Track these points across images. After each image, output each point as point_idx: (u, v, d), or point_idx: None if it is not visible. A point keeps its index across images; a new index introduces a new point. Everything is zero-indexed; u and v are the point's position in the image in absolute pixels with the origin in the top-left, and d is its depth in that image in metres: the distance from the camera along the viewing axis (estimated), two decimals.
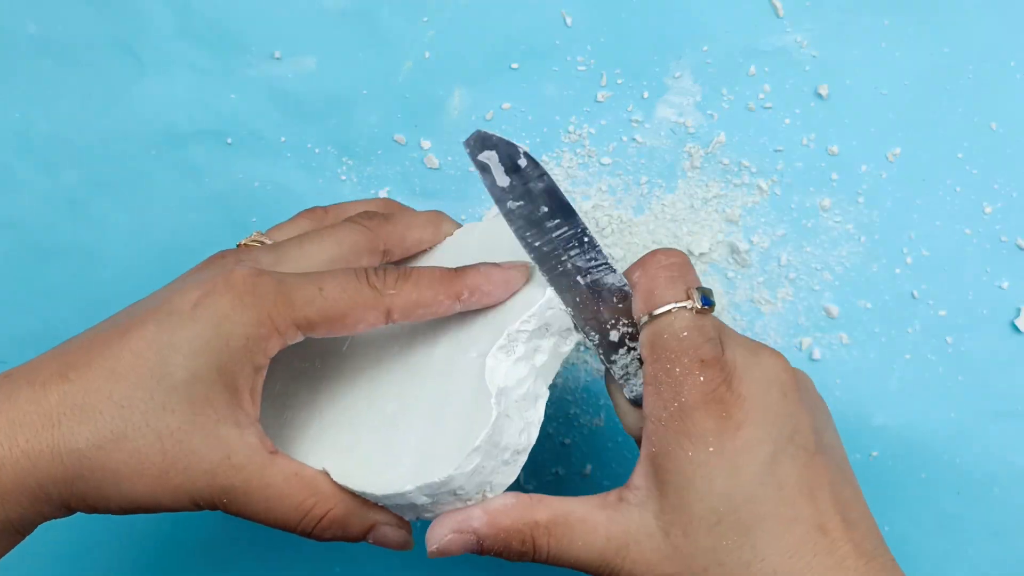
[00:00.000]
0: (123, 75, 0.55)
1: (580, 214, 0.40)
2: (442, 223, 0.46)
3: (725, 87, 0.52)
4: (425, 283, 0.40)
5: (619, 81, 0.53)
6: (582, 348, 0.53)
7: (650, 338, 0.39)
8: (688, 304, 0.39)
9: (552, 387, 0.53)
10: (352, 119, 0.54)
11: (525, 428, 0.40)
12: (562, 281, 0.40)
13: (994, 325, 0.51)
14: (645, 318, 0.39)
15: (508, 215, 0.40)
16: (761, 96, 0.52)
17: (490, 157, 0.39)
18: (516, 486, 0.41)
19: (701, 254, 0.52)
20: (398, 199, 0.54)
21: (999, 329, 0.51)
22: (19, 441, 0.36)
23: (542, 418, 0.41)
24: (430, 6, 0.54)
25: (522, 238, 0.40)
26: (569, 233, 0.40)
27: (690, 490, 0.38)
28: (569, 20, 0.53)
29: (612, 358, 0.41)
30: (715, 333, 0.39)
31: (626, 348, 0.41)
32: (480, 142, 0.39)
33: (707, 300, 0.39)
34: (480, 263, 0.41)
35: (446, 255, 0.45)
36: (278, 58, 0.54)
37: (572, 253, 0.40)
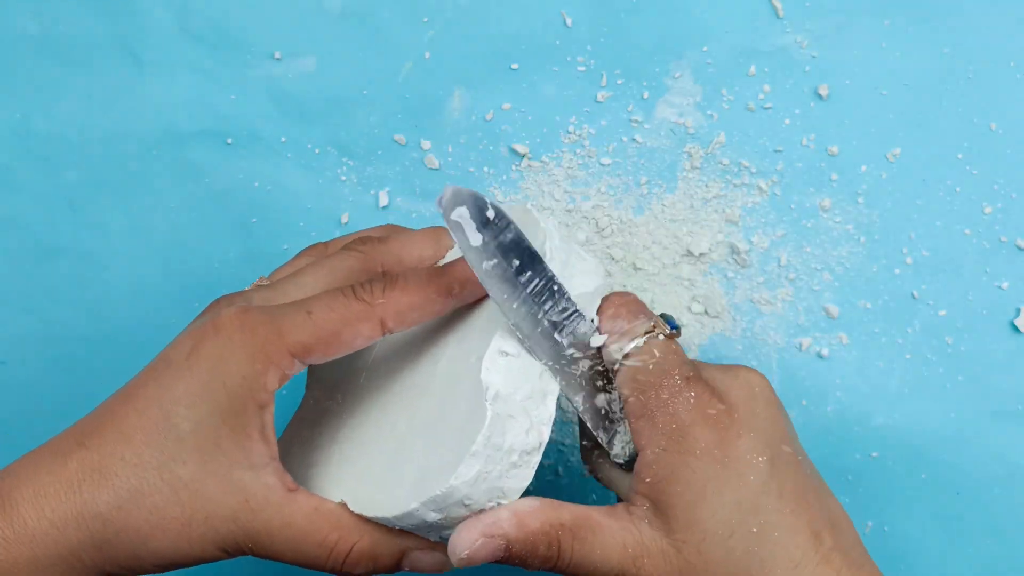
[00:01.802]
0: (123, 75, 0.55)
1: (545, 260, 0.40)
2: (442, 237, 0.45)
3: (725, 87, 0.52)
4: (413, 285, 0.40)
5: (619, 81, 0.53)
6: None
7: (631, 373, 0.40)
8: (657, 331, 0.40)
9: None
10: (352, 119, 0.54)
11: (533, 427, 0.39)
12: (543, 344, 0.40)
13: (994, 325, 0.51)
14: (620, 357, 0.40)
15: (485, 278, 0.39)
16: (761, 96, 0.52)
17: (462, 215, 0.38)
18: None
19: (701, 254, 0.52)
20: (398, 199, 0.54)
21: (999, 329, 0.51)
22: (45, 512, 0.36)
23: (553, 415, 0.40)
24: (430, 6, 0.54)
25: (500, 302, 0.39)
26: (540, 285, 0.40)
27: (702, 505, 0.38)
28: (569, 20, 0.53)
29: (598, 421, 0.41)
30: (684, 354, 0.41)
31: (609, 401, 0.42)
32: (453, 199, 0.38)
33: (673, 324, 0.41)
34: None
35: None
36: (278, 58, 0.54)
37: (546, 308, 0.40)
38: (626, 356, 0.40)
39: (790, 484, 0.38)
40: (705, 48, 0.52)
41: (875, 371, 0.52)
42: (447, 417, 0.39)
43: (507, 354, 0.39)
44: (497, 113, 0.54)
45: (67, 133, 0.56)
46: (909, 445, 0.52)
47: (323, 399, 0.45)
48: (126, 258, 0.56)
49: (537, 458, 0.39)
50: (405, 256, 0.44)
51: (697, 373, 0.40)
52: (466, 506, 0.38)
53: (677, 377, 0.39)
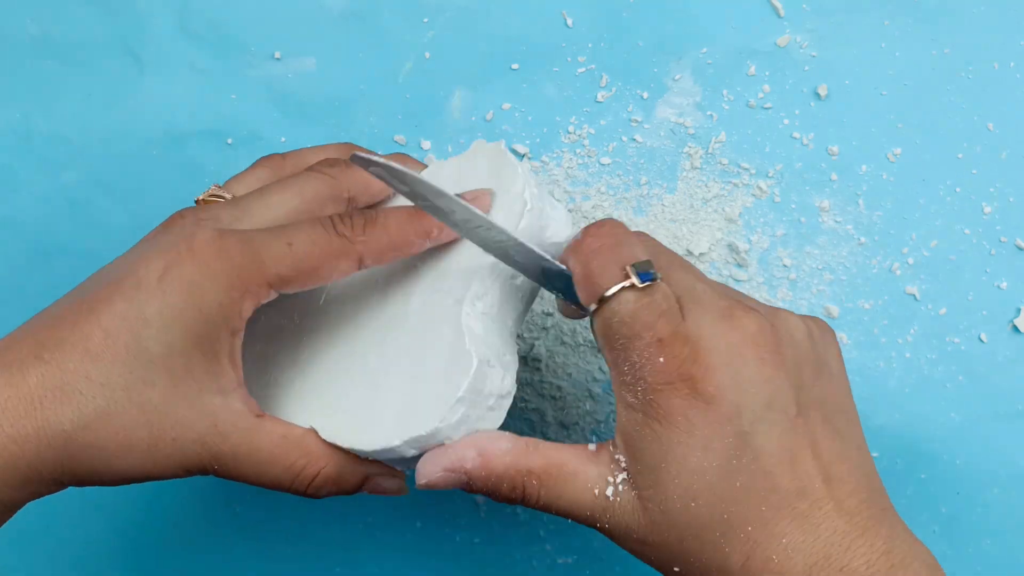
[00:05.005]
0: (123, 75, 0.55)
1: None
2: (409, 165, 0.45)
3: (725, 87, 0.52)
4: (393, 225, 0.40)
5: (619, 82, 0.53)
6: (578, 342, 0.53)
7: (600, 327, 0.38)
8: (627, 283, 0.37)
9: (558, 385, 0.53)
10: (352, 119, 0.54)
11: (507, 373, 0.40)
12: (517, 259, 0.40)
13: (994, 325, 0.51)
14: (593, 306, 0.38)
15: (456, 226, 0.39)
16: (761, 96, 0.52)
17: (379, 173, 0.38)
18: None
19: (701, 254, 0.52)
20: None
21: (999, 329, 0.51)
22: (4, 426, 0.36)
23: (517, 360, 0.41)
24: (430, 6, 0.54)
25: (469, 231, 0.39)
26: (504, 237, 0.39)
27: (664, 471, 0.36)
28: (569, 21, 0.53)
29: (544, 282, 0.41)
30: (668, 304, 0.38)
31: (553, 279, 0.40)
32: (363, 164, 0.37)
33: (646, 276, 0.37)
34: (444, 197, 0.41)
35: None
36: (278, 58, 0.54)
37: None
38: (599, 303, 0.38)
39: (771, 446, 0.36)
40: (705, 48, 0.52)
41: (875, 371, 0.52)
42: (428, 358, 0.40)
43: (483, 299, 0.40)
44: (497, 113, 0.54)
45: (67, 133, 0.56)
46: (909, 445, 0.52)
47: (277, 316, 0.45)
48: None
49: (509, 402, 0.40)
50: (373, 183, 0.44)
51: (674, 329, 0.37)
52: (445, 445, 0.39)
53: (649, 339, 0.37)
